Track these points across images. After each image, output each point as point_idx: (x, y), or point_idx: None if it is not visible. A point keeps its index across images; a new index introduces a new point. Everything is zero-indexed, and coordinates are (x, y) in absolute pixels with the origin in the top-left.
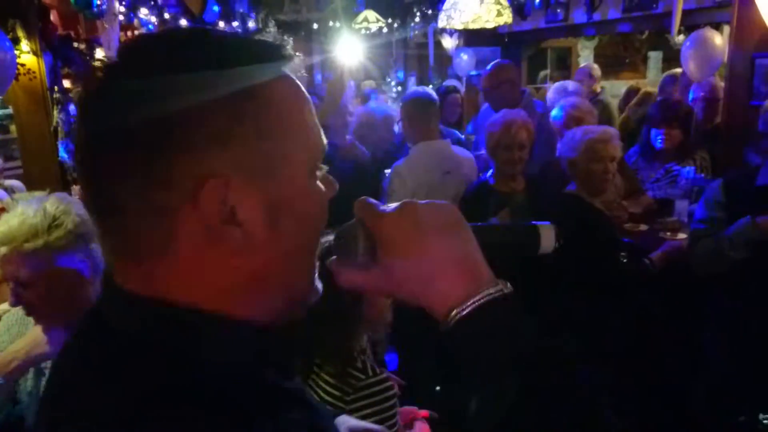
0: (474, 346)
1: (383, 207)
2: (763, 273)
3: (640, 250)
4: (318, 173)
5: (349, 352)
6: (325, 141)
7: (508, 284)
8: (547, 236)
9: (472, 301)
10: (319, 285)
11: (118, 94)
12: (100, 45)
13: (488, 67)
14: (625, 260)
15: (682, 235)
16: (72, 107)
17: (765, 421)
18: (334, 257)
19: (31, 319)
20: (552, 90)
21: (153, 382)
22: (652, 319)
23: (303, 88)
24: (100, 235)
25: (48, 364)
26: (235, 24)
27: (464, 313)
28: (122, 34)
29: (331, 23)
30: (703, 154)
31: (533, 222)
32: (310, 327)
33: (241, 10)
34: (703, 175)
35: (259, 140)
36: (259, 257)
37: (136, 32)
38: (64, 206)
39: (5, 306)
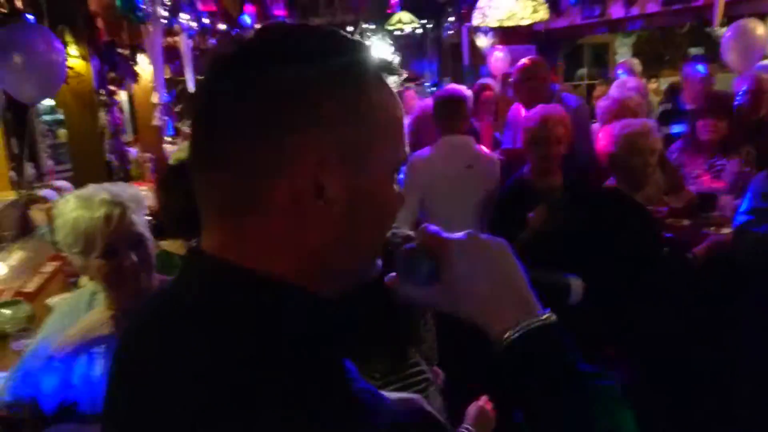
0: (524, 365)
1: (446, 234)
2: None
3: (682, 245)
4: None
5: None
6: (407, 153)
7: (554, 315)
8: (576, 292)
9: (523, 326)
10: (376, 267)
11: (252, 65)
12: (143, 50)
13: (518, 63)
14: (667, 256)
15: (726, 230)
16: (115, 110)
17: None
18: (395, 275)
19: (82, 309)
20: (613, 86)
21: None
22: (693, 313)
23: (400, 103)
24: (202, 195)
25: (101, 348)
26: None
27: (516, 335)
28: (165, 39)
29: (365, 24)
30: (748, 147)
31: (565, 275)
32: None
33: (277, 13)
34: (748, 169)
35: (362, 132)
36: (333, 234)
37: (176, 38)
38: None
39: (58, 298)
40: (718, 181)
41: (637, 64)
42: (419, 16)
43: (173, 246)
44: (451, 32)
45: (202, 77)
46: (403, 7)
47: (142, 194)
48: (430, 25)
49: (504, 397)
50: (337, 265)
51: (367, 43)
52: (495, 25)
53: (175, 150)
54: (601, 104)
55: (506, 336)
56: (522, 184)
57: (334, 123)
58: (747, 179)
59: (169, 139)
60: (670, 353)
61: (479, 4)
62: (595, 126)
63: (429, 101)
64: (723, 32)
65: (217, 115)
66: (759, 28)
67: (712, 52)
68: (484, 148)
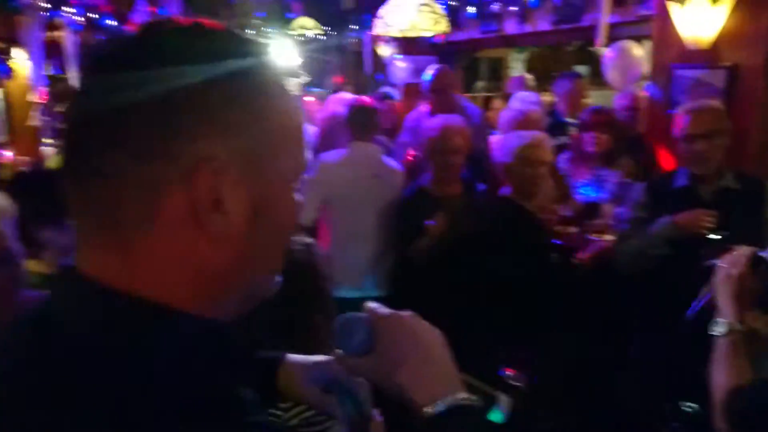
0: None
1: (386, 310)
2: (680, 269)
3: (570, 251)
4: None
5: None
6: (307, 159)
7: (475, 398)
8: (503, 406)
9: (447, 402)
10: (276, 282)
11: (137, 65)
12: (18, 44)
13: (431, 71)
14: (556, 260)
15: (609, 237)
16: None
17: (686, 409)
18: (337, 341)
19: None
20: (514, 99)
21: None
22: (581, 316)
23: (301, 108)
24: (78, 208)
25: None
26: None
27: (440, 409)
28: (46, 33)
29: (266, 29)
30: (627, 159)
31: (499, 393)
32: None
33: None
34: (628, 179)
35: (262, 139)
36: (232, 250)
37: (58, 33)
38: None
39: None
40: (602, 191)
41: (530, 79)
42: (322, 23)
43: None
44: (353, 40)
45: (80, 77)
46: (306, 13)
47: (10, 205)
48: (333, 33)
49: None
50: (239, 284)
51: (267, 45)
52: (397, 35)
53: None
54: (504, 115)
55: (430, 410)
56: (421, 192)
57: (232, 129)
58: (627, 189)
59: (49, 141)
60: (562, 351)
61: (381, 14)
62: (494, 136)
63: (339, 107)
64: (605, 52)
65: (96, 120)
66: (636, 50)
67: (595, 70)
68: (390, 159)
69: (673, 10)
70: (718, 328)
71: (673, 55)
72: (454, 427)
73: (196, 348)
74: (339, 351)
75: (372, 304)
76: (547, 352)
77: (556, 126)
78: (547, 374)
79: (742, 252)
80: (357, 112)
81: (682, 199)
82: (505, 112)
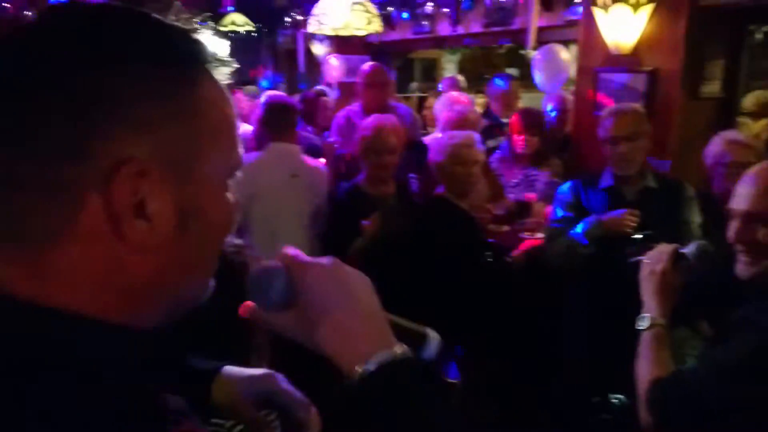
0: (378, 402)
1: (307, 258)
2: (606, 267)
3: (503, 249)
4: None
5: None
6: (242, 155)
7: (409, 350)
8: (432, 346)
9: (378, 359)
10: (209, 289)
11: (27, 55)
12: None
13: (364, 67)
14: (489, 259)
15: (540, 235)
16: None
17: (614, 401)
18: (253, 295)
19: None
20: (441, 99)
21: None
22: (514, 312)
23: (232, 100)
24: None
25: None
26: None
27: (371, 369)
28: None
29: (196, 22)
30: (556, 160)
31: (426, 330)
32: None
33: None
34: (556, 179)
35: (186, 137)
36: (159, 259)
37: None
38: None
39: None
40: (532, 191)
41: (462, 80)
42: (254, 20)
43: None
44: (286, 38)
45: None
46: (238, 8)
47: None
48: (266, 29)
49: None
50: (167, 291)
51: (192, 32)
52: (330, 33)
53: None
54: (442, 116)
55: (360, 369)
56: (356, 192)
57: (154, 125)
58: (556, 189)
59: None
60: (496, 347)
61: (315, 12)
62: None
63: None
64: (533, 55)
65: None
66: (563, 53)
67: (525, 72)
68: (311, 158)
69: (598, 15)
70: (642, 323)
71: (598, 60)
72: (389, 386)
73: (110, 358)
74: (258, 308)
75: (290, 250)
76: (480, 349)
77: (492, 127)
78: (479, 370)
79: (664, 249)
80: (272, 111)
81: (607, 198)
82: (443, 112)
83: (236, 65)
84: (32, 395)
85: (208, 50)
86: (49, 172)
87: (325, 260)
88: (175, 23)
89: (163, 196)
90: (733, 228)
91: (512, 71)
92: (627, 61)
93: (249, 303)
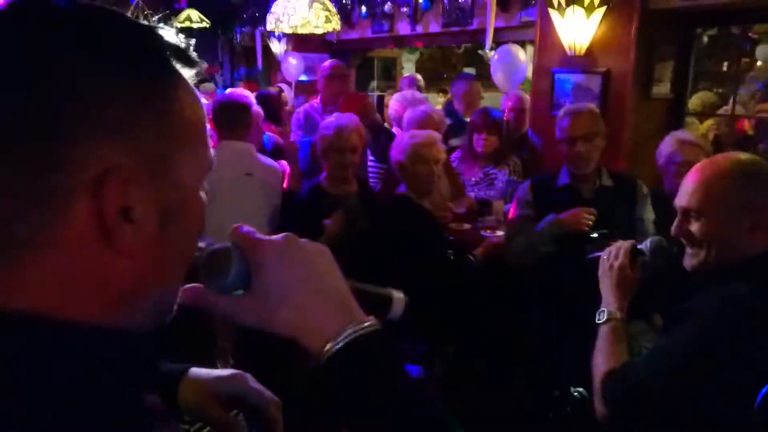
0: (349, 379)
1: (260, 235)
2: (565, 264)
3: (464, 247)
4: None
5: None
6: (213, 156)
7: (377, 321)
8: (398, 306)
9: (346, 335)
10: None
11: (24, 47)
12: None
13: (325, 63)
14: (451, 257)
15: (500, 233)
16: None
17: (575, 394)
18: (204, 280)
19: None
20: (398, 96)
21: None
22: (476, 309)
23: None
24: None
25: None
26: None
27: (339, 346)
28: None
29: (146, 18)
30: (514, 159)
31: (390, 291)
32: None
33: None
34: (515, 178)
35: (166, 138)
36: (142, 261)
37: None
38: None
39: None
40: (491, 189)
41: (420, 80)
42: (210, 17)
43: None
44: (243, 35)
45: None
46: (192, 5)
47: None
48: (222, 27)
49: (328, 417)
50: (149, 294)
51: (162, 31)
52: (288, 31)
53: None
54: (407, 115)
55: (327, 347)
56: (318, 191)
57: (134, 128)
58: (514, 187)
59: None
60: (458, 343)
61: (273, 10)
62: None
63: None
64: (490, 55)
65: None
66: (520, 53)
67: (482, 72)
68: (265, 158)
69: (554, 17)
70: (600, 316)
71: (554, 60)
72: (357, 363)
73: (97, 361)
74: (208, 288)
75: (242, 228)
76: (442, 347)
77: (457, 126)
78: (441, 367)
79: (621, 245)
80: (223, 110)
81: (564, 197)
82: (408, 111)
83: (205, 64)
84: (19, 404)
85: (180, 49)
86: (31, 181)
87: (278, 237)
88: (141, 21)
89: (146, 199)
90: (675, 223)
91: (470, 71)
92: (582, 62)
93: (197, 286)
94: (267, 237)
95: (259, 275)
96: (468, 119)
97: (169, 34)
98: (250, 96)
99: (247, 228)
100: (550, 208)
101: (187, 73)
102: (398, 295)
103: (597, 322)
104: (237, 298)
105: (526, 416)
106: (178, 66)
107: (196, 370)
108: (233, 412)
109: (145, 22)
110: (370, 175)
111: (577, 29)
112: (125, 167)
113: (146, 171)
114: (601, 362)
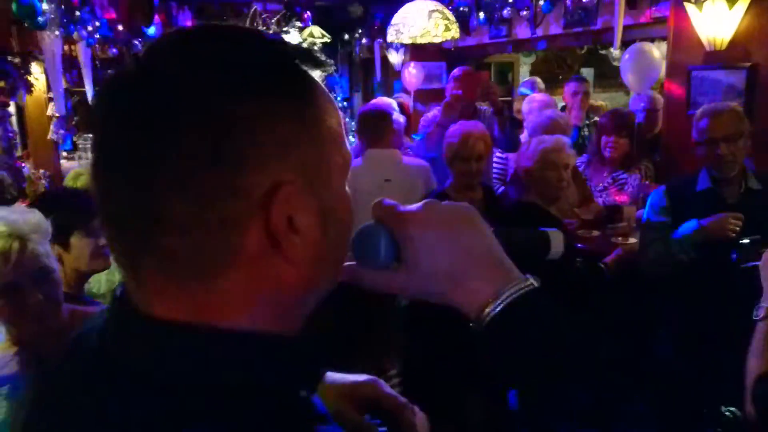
0: (512, 342)
1: (403, 207)
2: (709, 273)
3: (594, 256)
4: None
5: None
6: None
7: (537, 278)
8: (557, 243)
9: (504, 298)
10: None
11: (176, 88)
12: (37, 58)
13: (455, 72)
14: (581, 265)
15: (632, 240)
16: (8, 122)
17: (727, 413)
18: (357, 258)
19: None
20: (524, 102)
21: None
22: (608, 321)
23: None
24: (128, 257)
25: (2, 390)
26: None
27: (498, 310)
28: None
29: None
30: (646, 162)
31: (542, 228)
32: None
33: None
34: (647, 182)
35: (318, 146)
36: (310, 265)
37: (73, 46)
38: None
39: None
40: (621, 194)
41: (540, 82)
42: (330, 31)
43: None
44: (362, 47)
45: (99, 107)
46: (315, 21)
47: (46, 222)
48: (341, 40)
49: (491, 382)
50: (313, 296)
51: (300, 45)
52: (408, 42)
53: (76, 166)
54: (531, 120)
55: (486, 312)
56: (443, 198)
57: (290, 144)
58: (647, 192)
59: (65, 153)
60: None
61: (393, 21)
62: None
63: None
64: (618, 55)
65: (139, 164)
66: (655, 52)
67: (601, 72)
68: (412, 159)
69: (691, 11)
70: (759, 312)
71: (690, 57)
72: (522, 322)
73: (280, 369)
74: (360, 267)
75: (384, 202)
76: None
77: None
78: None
79: None
80: (366, 119)
81: (705, 202)
82: (534, 117)
83: (332, 62)
84: (213, 404)
85: (307, 52)
86: (212, 212)
87: (418, 206)
88: (262, 29)
89: (308, 207)
90: None
91: (588, 71)
92: (723, 57)
93: (351, 265)
94: (408, 208)
95: (407, 248)
96: (579, 122)
97: (292, 38)
98: (393, 104)
99: (388, 201)
100: (688, 213)
101: (316, 74)
102: (554, 232)
103: (754, 318)
104: (391, 272)
105: None
106: (310, 70)
107: (332, 375)
108: (368, 418)
109: (272, 33)
110: (494, 168)
111: (718, 22)
112: (289, 181)
113: (306, 181)
114: (755, 362)
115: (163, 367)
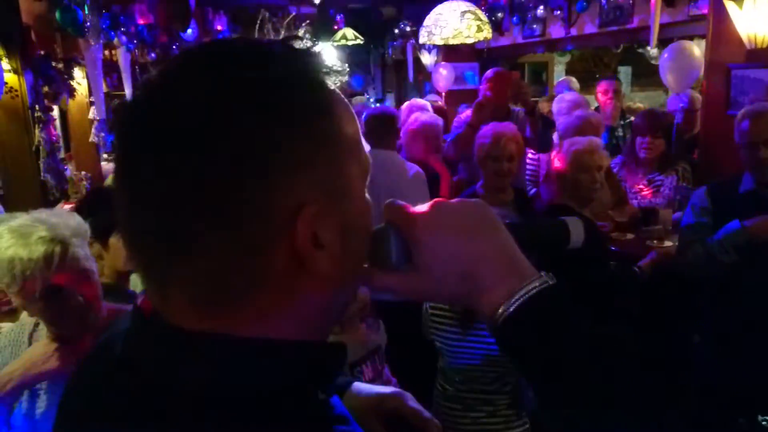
0: (527, 342)
1: (413, 208)
2: (752, 275)
3: (628, 258)
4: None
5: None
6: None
7: (551, 275)
8: (577, 231)
9: (518, 296)
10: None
11: (201, 111)
12: (79, 64)
13: (488, 73)
14: (615, 268)
15: (668, 243)
16: (51, 126)
17: (764, 423)
18: (368, 260)
19: (24, 342)
20: (554, 101)
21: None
22: (642, 325)
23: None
24: (151, 273)
25: (43, 385)
26: None
27: (512, 309)
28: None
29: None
30: (683, 164)
31: (561, 218)
32: None
33: (219, 28)
34: (684, 184)
35: (338, 159)
36: (334, 276)
37: (113, 51)
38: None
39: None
40: (656, 196)
41: (575, 81)
42: (363, 33)
43: None
44: (395, 48)
45: (119, 129)
46: (347, 24)
47: (85, 224)
48: (374, 42)
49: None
50: (339, 305)
51: (321, 55)
52: (440, 43)
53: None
54: (563, 121)
55: (500, 312)
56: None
57: (312, 162)
58: (683, 194)
59: (106, 155)
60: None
61: (426, 23)
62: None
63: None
64: (655, 54)
65: (163, 191)
66: (695, 50)
67: (639, 71)
68: (411, 164)
69: (731, 8)
70: None
71: (730, 55)
72: (536, 322)
73: (304, 374)
74: (372, 269)
75: (394, 203)
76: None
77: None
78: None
79: None
80: (373, 121)
81: (748, 204)
82: (565, 117)
83: (346, 67)
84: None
85: (329, 64)
86: (243, 236)
87: (426, 207)
88: (299, 44)
89: (330, 223)
90: None
91: (625, 70)
92: (764, 56)
93: (364, 267)
94: (418, 209)
95: (418, 249)
96: (613, 122)
97: (302, 44)
98: (428, 106)
99: (398, 203)
100: (730, 216)
101: (332, 81)
102: (574, 221)
103: None
104: (403, 274)
105: None
106: (331, 82)
107: (358, 385)
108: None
109: (299, 48)
110: (527, 169)
111: (759, 19)
112: (311, 200)
113: (329, 197)
114: None
115: (183, 375)
